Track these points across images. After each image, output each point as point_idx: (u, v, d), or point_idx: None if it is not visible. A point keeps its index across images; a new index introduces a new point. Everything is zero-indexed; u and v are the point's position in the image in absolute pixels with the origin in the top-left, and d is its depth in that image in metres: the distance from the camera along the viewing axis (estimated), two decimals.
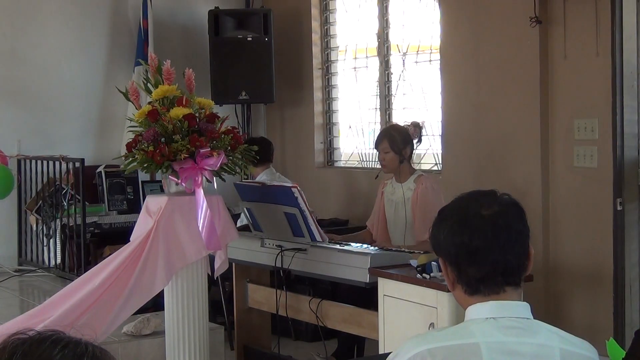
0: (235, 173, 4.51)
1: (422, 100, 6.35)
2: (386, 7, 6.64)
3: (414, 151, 5.11)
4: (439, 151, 6.11)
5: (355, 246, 4.56)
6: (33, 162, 6.70)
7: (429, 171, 6.04)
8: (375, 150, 6.74)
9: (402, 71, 6.52)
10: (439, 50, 6.07)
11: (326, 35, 7.25)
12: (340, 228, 5.99)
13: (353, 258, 4.33)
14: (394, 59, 6.61)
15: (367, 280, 4.22)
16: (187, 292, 4.24)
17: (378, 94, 6.73)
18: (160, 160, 4.07)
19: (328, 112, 7.27)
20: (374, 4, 6.73)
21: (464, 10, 5.79)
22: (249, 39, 7.07)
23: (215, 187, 4.35)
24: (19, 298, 6.01)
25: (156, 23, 7.19)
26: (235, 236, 4.42)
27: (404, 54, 6.49)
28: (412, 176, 5.01)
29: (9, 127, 6.73)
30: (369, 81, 6.86)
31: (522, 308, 1.96)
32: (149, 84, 4.39)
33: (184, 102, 4.20)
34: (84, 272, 4.52)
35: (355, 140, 7.05)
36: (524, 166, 5.38)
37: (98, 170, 6.86)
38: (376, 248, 4.52)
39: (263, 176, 6.12)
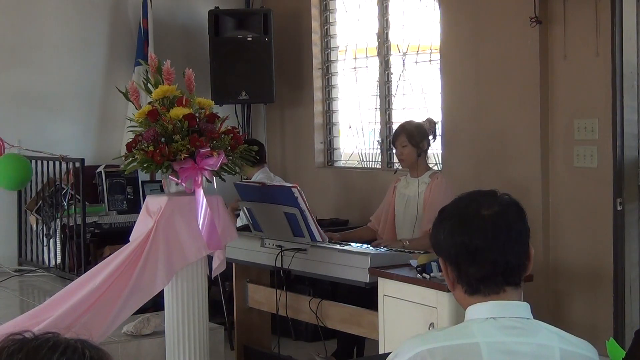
0: (235, 173, 4.52)
1: (422, 100, 6.35)
2: (386, 7, 6.64)
3: (430, 146, 5.15)
4: (439, 151, 6.11)
5: (355, 246, 4.56)
6: (33, 162, 6.69)
7: (441, 172, 6.03)
8: (375, 151, 6.83)
9: (402, 71, 6.52)
10: (439, 50, 6.06)
11: (326, 35, 7.25)
12: (340, 228, 5.99)
13: (353, 258, 4.33)
14: (394, 59, 6.61)
15: (367, 280, 4.22)
16: (187, 292, 4.24)
17: (378, 94, 6.73)
18: (160, 160, 4.07)
19: (328, 112, 7.27)
20: (374, 4, 6.73)
21: (464, 10, 5.79)
22: (249, 39, 7.07)
23: (215, 187, 4.36)
24: (19, 298, 6.01)
25: (156, 23, 7.19)
26: (234, 236, 4.43)
27: (404, 54, 6.49)
28: (427, 172, 5.05)
29: (9, 127, 6.72)
30: (369, 81, 6.86)
31: (522, 308, 1.97)
32: (149, 84, 4.39)
33: (184, 102, 4.20)
34: (84, 272, 4.53)
35: (355, 140, 7.05)
36: (524, 166, 5.38)
37: (98, 170, 6.86)
38: (376, 248, 4.53)
39: (259, 175, 6.11)
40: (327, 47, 7.25)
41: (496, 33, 5.54)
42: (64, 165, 6.34)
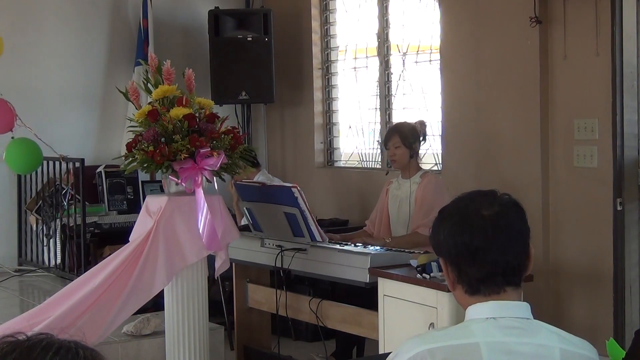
0: (235, 173, 4.51)
1: (422, 100, 6.35)
2: (386, 7, 6.64)
3: (420, 148, 5.17)
4: (439, 151, 6.11)
5: (355, 246, 4.56)
6: None
7: (431, 171, 6.04)
8: (375, 151, 6.83)
9: (402, 71, 6.52)
10: (439, 50, 6.06)
11: (326, 35, 7.25)
12: (340, 228, 5.99)
13: (353, 258, 4.33)
14: (394, 59, 6.61)
15: (367, 280, 4.22)
16: (187, 292, 4.24)
17: (378, 94, 6.73)
18: (160, 160, 4.07)
19: (328, 112, 7.27)
20: (374, 4, 6.72)
21: (464, 10, 5.79)
22: (249, 39, 7.07)
23: (216, 187, 4.36)
24: (19, 298, 6.01)
25: (156, 23, 7.19)
26: (236, 236, 4.43)
27: (404, 54, 6.49)
28: (419, 172, 5.07)
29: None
30: (369, 81, 6.86)
31: (522, 308, 1.97)
32: (149, 84, 4.39)
33: (184, 102, 4.20)
34: (84, 272, 4.52)
35: (355, 140, 7.05)
36: (524, 166, 5.38)
37: (98, 170, 6.86)
38: (376, 248, 4.53)
39: (260, 177, 6.11)
40: (327, 47, 7.25)
41: (496, 33, 5.54)
42: (64, 165, 6.34)
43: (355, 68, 7.01)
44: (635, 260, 4.91)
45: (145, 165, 4.14)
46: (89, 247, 6.29)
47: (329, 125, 7.28)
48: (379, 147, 6.74)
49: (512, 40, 5.43)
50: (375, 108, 6.76)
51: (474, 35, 5.69)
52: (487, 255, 1.95)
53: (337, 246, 4.55)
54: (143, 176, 6.78)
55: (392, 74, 6.64)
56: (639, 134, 4.94)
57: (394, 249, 4.50)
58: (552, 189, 5.28)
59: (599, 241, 5.00)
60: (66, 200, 6.41)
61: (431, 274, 3.85)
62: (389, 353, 2.02)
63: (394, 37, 6.60)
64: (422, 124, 5.17)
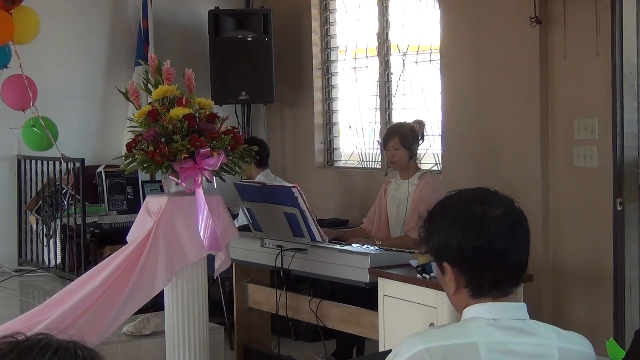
0: (235, 173, 4.51)
1: (422, 100, 6.35)
2: (386, 7, 6.64)
3: (419, 148, 5.17)
4: (439, 151, 6.11)
5: (355, 246, 4.56)
6: (33, 162, 6.70)
7: (430, 171, 6.04)
8: (375, 151, 6.83)
9: (402, 71, 6.52)
10: (439, 50, 6.06)
11: (326, 35, 7.25)
12: (340, 228, 5.99)
13: (353, 258, 4.33)
14: (394, 59, 6.61)
15: (367, 280, 4.22)
16: (187, 292, 4.24)
17: (378, 94, 6.73)
18: (160, 160, 4.07)
19: (328, 112, 7.27)
20: (374, 4, 6.73)
21: (464, 10, 5.79)
22: (249, 39, 7.07)
23: (216, 187, 4.35)
24: (19, 298, 6.01)
25: (156, 23, 7.19)
26: (236, 235, 4.43)
27: (404, 54, 6.49)
28: (417, 173, 5.06)
29: (8, 127, 6.72)
30: (369, 81, 6.86)
31: (520, 309, 1.97)
32: (149, 84, 4.39)
33: (184, 102, 4.20)
34: (84, 272, 4.53)
35: (355, 140, 7.05)
36: (524, 166, 5.38)
37: (98, 170, 6.86)
38: (376, 248, 4.53)
39: (261, 177, 6.11)
40: (327, 47, 7.25)
41: (496, 33, 5.54)
42: (64, 165, 6.34)
43: (355, 68, 7.01)
44: (635, 260, 4.91)
45: (145, 165, 4.15)
46: (89, 247, 6.29)
47: (329, 125, 7.28)
48: (378, 147, 6.74)
49: (512, 40, 5.43)
50: (375, 108, 6.76)
51: (474, 35, 5.69)
52: (507, 257, 1.95)
53: (337, 246, 4.56)
54: (143, 176, 6.78)
55: (392, 74, 6.64)
56: (639, 134, 4.94)
57: (394, 249, 4.51)
58: (552, 189, 5.28)
59: (599, 241, 5.00)
60: (66, 200, 6.41)
61: (431, 274, 3.85)
62: (389, 351, 2.02)
63: (394, 37, 6.60)
64: (420, 123, 5.17)
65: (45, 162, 6.56)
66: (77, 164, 6.22)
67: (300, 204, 4.53)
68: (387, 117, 6.65)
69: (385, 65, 6.65)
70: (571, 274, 5.18)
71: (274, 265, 4.69)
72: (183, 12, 7.54)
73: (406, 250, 4.42)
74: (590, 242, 5.07)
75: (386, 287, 4.12)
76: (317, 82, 7.25)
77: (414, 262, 4.04)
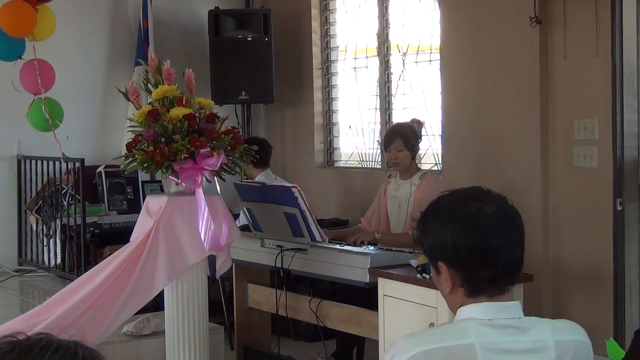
0: (235, 173, 4.52)
1: (422, 100, 6.35)
2: (386, 7, 6.64)
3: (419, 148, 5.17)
4: (439, 151, 6.11)
5: (355, 246, 4.56)
6: (33, 162, 6.70)
7: (430, 171, 6.04)
8: (375, 151, 6.82)
9: (402, 71, 6.52)
10: (439, 50, 6.06)
11: (326, 35, 7.25)
12: (340, 228, 5.99)
13: (353, 258, 4.33)
14: (394, 59, 6.61)
15: (367, 280, 4.22)
16: (187, 292, 4.24)
17: (378, 94, 6.73)
18: (160, 160, 4.07)
19: (328, 112, 7.27)
20: (374, 4, 6.73)
21: (464, 10, 5.79)
22: (249, 39, 7.07)
23: (217, 187, 4.35)
24: (19, 298, 6.01)
25: (156, 23, 7.19)
26: (237, 235, 4.42)
27: (404, 54, 6.49)
28: (418, 173, 5.06)
29: (9, 127, 6.72)
30: (369, 81, 6.86)
31: (514, 307, 1.98)
32: (149, 84, 4.39)
33: (184, 102, 4.20)
34: (84, 272, 4.53)
35: (355, 140, 7.05)
36: (524, 166, 5.38)
37: (98, 170, 6.86)
38: (376, 248, 4.53)
39: (261, 177, 6.11)
40: (327, 47, 7.25)
41: (496, 33, 5.54)
42: (64, 165, 6.34)
43: (355, 68, 7.01)
44: (635, 260, 4.91)
45: (145, 165, 4.15)
46: (89, 247, 6.29)
47: (329, 125, 7.28)
48: (379, 147, 6.74)
49: (512, 40, 5.42)
50: (375, 108, 6.76)
51: (474, 35, 5.69)
52: (502, 254, 1.95)
53: (337, 246, 4.56)
54: (143, 176, 6.79)
55: (392, 74, 6.64)
56: (639, 134, 4.94)
57: (394, 249, 4.51)
58: (552, 188, 5.28)
59: (599, 241, 5.00)
60: (66, 200, 6.41)
61: (431, 274, 3.85)
62: None
63: (394, 37, 6.60)
64: (418, 123, 5.16)
65: (45, 162, 6.56)
66: (77, 164, 6.22)
67: (300, 204, 4.53)
68: (387, 117, 6.65)
69: (385, 65, 6.65)
70: (571, 274, 5.18)
71: (274, 265, 4.69)
72: (183, 12, 7.54)
73: (406, 250, 4.42)
74: (590, 242, 5.07)
75: (386, 287, 4.12)
76: (317, 82, 7.25)
77: (414, 262, 4.04)
